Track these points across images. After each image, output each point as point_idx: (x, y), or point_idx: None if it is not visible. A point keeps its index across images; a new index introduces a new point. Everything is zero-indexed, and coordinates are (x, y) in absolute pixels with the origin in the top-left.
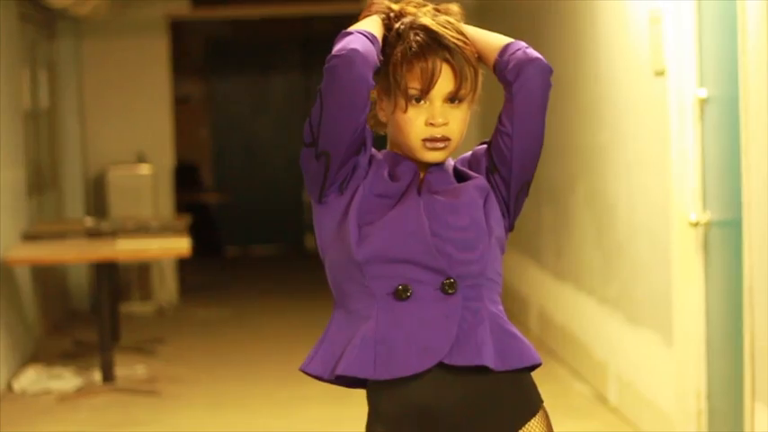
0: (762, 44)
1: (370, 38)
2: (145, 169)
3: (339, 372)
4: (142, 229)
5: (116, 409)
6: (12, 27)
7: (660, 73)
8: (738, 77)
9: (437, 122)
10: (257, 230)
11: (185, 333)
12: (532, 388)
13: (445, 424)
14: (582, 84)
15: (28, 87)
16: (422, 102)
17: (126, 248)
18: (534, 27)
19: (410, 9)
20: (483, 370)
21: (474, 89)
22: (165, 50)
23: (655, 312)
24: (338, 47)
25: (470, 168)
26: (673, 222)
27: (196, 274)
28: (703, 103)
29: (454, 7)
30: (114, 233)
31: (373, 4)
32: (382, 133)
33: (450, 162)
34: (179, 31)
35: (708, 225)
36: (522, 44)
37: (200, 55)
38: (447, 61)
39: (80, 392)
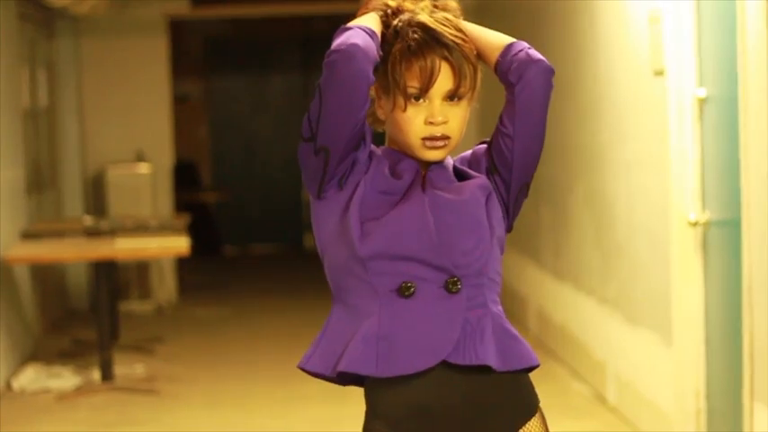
0: (761, 44)
1: (370, 33)
2: (144, 168)
3: (341, 369)
4: (141, 228)
5: (115, 408)
6: (11, 26)
7: (659, 73)
8: (738, 77)
9: (437, 121)
10: (256, 229)
11: (184, 332)
12: (531, 389)
13: (446, 422)
14: (581, 83)
15: (27, 86)
16: (421, 100)
17: (125, 247)
18: (533, 27)
19: (408, 5)
20: (484, 370)
21: (473, 87)
22: (164, 49)
23: (654, 312)
24: (338, 42)
25: (470, 168)
26: (672, 222)
27: (195, 273)
28: (702, 102)
29: (452, 3)
30: (113, 232)
31: (370, 0)
32: (380, 130)
33: (450, 160)
34: (178, 31)
35: (707, 225)
36: (525, 44)
37: (199, 54)
38: (446, 59)
39: (79, 391)
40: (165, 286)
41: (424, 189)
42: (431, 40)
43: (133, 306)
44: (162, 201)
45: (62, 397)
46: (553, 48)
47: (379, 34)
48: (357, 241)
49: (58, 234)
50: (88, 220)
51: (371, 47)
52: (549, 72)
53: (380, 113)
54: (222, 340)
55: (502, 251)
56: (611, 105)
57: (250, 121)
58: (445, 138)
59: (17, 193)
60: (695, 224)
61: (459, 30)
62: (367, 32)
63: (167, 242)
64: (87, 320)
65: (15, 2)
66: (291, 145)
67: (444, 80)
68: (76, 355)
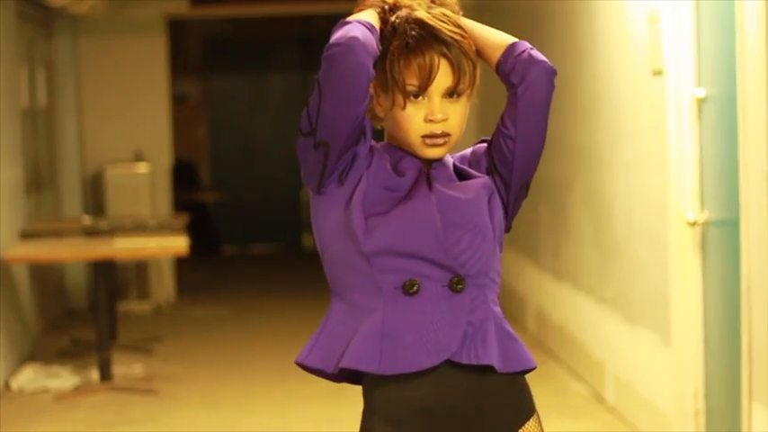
0: (760, 44)
1: (369, 27)
2: (143, 168)
3: (344, 365)
4: (140, 228)
5: (113, 408)
6: (10, 26)
7: (658, 73)
8: (736, 77)
9: (436, 119)
10: (255, 229)
11: (183, 332)
12: (528, 391)
13: (446, 422)
14: (580, 83)
15: (26, 86)
16: (420, 98)
17: (124, 247)
18: (532, 27)
19: (405, 1)
20: (486, 370)
21: (473, 83)
22: (163, 49)
23: (652, 312)
24: (337, 35)
25: (470, 167)
26: (670, 222)
27: (194, 272)
28: (701, 102)
29: None
30: (112, 232)
31: None
32: (378, 127)
33: (449, 158)
34: (177, 30)
35: (705, 225)
36: (527, 45)
37: (198, 54)
38: (444, 56)
39: (77, 391)
40: (164, 286)
41: (430, 187)
42: (429, 37)
43: (132, 306)
44: (161, 200)
45: (61, 397)
46: (552, 47)
47: (378, 29)
48: (362, 236)
49: (57, 234)
50: (87, 220)
51: (371, 40)
52: (552, 73)
53: (379, 111)
54: (221, 340)
55: (501, 251)
56: (610, 105)
57: (249, 121)
58: (445, 135)
59: (16, 192)
60: (694, 224)
61: (458, 25)
62: (366, 26)
63: (166, 242)
64: (86, 320)
65: (14, 1)
66: (290, 145)
67: (443, 77)
68: (75, 355)
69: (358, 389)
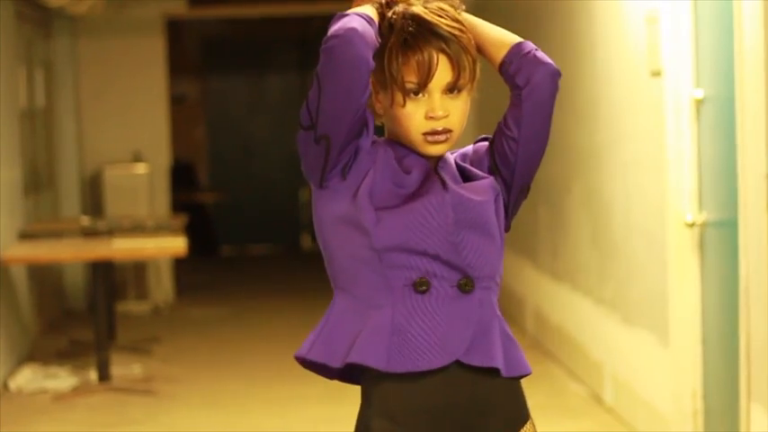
0: (758, 44)
1: (367, 19)
2: (141, 168)
3: (352, 360)
4: (138, 229)
5: (112, 409)
6: (8, 26)
7: (657, 73)
8: (735, 78)
9: (437, 116)
10: (253, 230)
11: (181, 332)
12: (523, 396)
13: (448, 422)
14: (579, 84)
15: (24, 86)
16: (420, 95)
17: (122, 248)
18: (531, 27)
19: None
20: (490, 373)
21: (473, 78)
22: (161, 50)
23: (651, 313)
24: (335, 27)
25: (472, 165)
26: (669, 223)
27: (192, 273)
28: (699, 103)
29: None
30: (110, 232)
31: None
32: (378, 124)
33: (449, 155)
34: (175, 31)
35: (704, 225)
36: (531, 45)
37: (196, 54)
38: (443, 51)
39: (76, 392)
40: (163, 287)
41: (445, 187)
42: (427, 33)
43: (130, 306)
44: (159, 201)
45: (59, 397)
46: (550, 48)
47: (376, 22)
48: (373, 231)
49: (56, 234)
50: (85, 221)
51: (369, 31)
52: (557, 75)
53: (378, 108)
54: (219, 341)
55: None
56: (609, 106)
57: (247, 122)
58: (447, 131)
59: (14, 193)
60: (692, 225)
61: (456, 20)
62: (364, 18)
63: (164, 242)
64: (84, 321)
65: (13, 1)
66: (289, 145)
67: (443, 73)
68: (73, 356)
69: (357, 389)
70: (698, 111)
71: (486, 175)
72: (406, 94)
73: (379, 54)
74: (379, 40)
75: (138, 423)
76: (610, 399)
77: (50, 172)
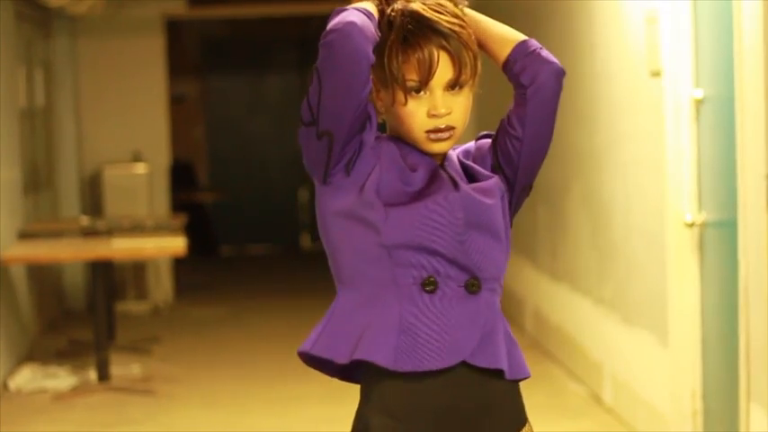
0: (757, 44)
1: (367, 13)
2: (140, 168)
3: (359, 356)
4: (138, 229)
5: (111, 409)
6: (8, 26)
7: (656, 73)
8: (734, 78)
9: (440, 113)
10: (253, 230)
11: (181, 332)
12: (522, 399)
13: (451, 422)
14: (578, 84)
15: (24, 86)
16: (421, 92)
17: (121, 247)
18: (531, 27)
19: None
20: (495, 375)
21: (474, 73)
22: (160, 49)
23: (650, 313)
24: (334, 22)
25: (474, 162)
26: (668, 223)
27: (192, 273)
28: (699, 103)
29: None
30: (110, 232)
31: None
32: (380, 121)
33: (452, 152)
34: (175, 31)
35: (703, 225)
36: (536, 44)
37: (196, 54)
38: (443, 48)
39: (75, 391)
40: (162, 286)
41: (456, 187)
42: (426, 30)
43: (130, 306)
44: (159, 201)
45: (59, 397)
46: (550, 48)
47: (376, 17)
48: (383, 228)
49: (55, 234)
50: (85, 221)
51: (368, 25)
52: (562, 74)
53: (380, 106)
54: (219, 341)
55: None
56: (608, 106)
57: (247, 122)
58: (450, 129)
59: (14, 193)
60: (692, 225)
61: (456, 15)
62: (363, 12)
63: (164, 242)
64: (84, 321)
65: (12, 1)
66: (288, 145)
67: (444, 70)
68: (73, 356)
69: (356, 388)
70: (697, 111)
71: (490, 174)
72: (408, 92)
73: (379, 52)
74: (379, 34)
75: (138, 423)
76: (609, 399)
77: (50, 172)
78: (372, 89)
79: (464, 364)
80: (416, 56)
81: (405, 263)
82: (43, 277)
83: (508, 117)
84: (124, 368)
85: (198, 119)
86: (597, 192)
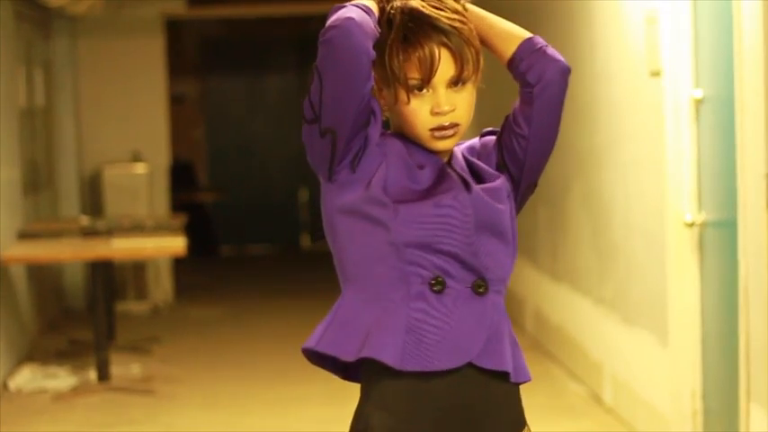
0: (757, 44)
1: (365, 9)
2: (140, 168)
3: (366, 354)
4: (137, 228)
5: (111, 409)
6: (8, 26)
7: (656, 73)
8: (734, 78)
9: (443, 111)
10: (253, 230)
11: (181, 332)
12: (521, 403)
13: (454, 422)
14: (578, 84)
15: (24, 86)
16: (424, 90)
17: (121, 247)
18: (531, 27)
19: None
20: (499, 377)
21: (477, 68)
22: (160, 50)
23: (650, 313)
24: (332, 19)
25: (479, 160)
26: (668, 223)
27: (192, 273)
28: (699, 103)
29: None
30: (110, 232)
31: None
32: (383, 118)
33: (457, 149)
34: (174, 31)
35: (703, 225)
36: (542, 41)
37: (195, 54)
38: (444, 45)
39: (75, 391)
40: (162, 286)
41: (468, 187)
42: (426, 27)
43: (130, 306)
44: (158, 201)
45: (58, 397)
46: None
47: (376, 13)
48: (392, 225)
49: (55, 234)
50: (85, 220)
51: (367, 21)
52: (568, 72)
53: (382, 105)
54: (219, 341)
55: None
56: (608, 106)
57: (246, 122)
58: (454, 126)
59: (14, 192)
60: (691, 225)
61: (456, 11)
62: (362, 8)
63: (164, 242)
64: (84, 320)
65: (12, 1)
66: (288, 145)
67: (446, 67)
68: (73, 356)
69: (356, 388)
70: (697, 111)
71: (496, 173)
72: (410, 90)
73: (379, 51)
74: (379, 30)
75: (138, 423)
76: (609, 399)
77: (50, 172)
78: (375, 88)
79: (470, 365)
80: (417, 54)
81: (413, 262)
82: (43, 277)
83: (513, 115)
84: (124, 368)
85: (197, 119)
86: (597, 192)
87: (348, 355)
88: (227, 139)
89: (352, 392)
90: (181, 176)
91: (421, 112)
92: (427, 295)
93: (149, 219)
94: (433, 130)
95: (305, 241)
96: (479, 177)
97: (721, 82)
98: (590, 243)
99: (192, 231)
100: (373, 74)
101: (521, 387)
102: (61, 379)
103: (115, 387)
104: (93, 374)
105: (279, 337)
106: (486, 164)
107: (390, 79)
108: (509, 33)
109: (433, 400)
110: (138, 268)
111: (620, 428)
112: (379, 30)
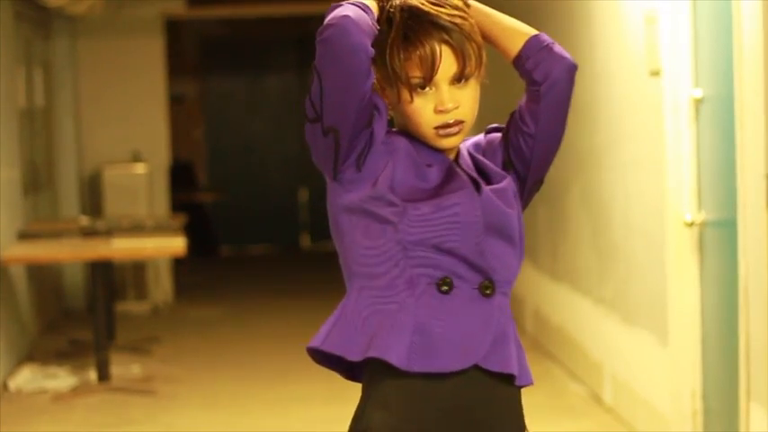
0: (757, 44)
1: (362, 7)
2: (140, 168)
3: (372, 354)
4: (137, 229)
5: (111, 409)
6: (7, 26)
7: (655, 73)
8: (734, 77)
9: (447, 108)
10: (252, 230)
11: (181, 332)
12: (522, 406)
13: (457, 423)
14: (578, 84)
15: (23, 86)
16: (427, 88)
17: (121, 247)
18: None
19: None
20: (504, 379)
21: (479, 64)
22: (160, 50)
23: (650, 312)
24: (329, 17)
25: (485, 157)
26: (668, 222)
27: (191, 273)
28: (698, 103)
29: None
30: (109, 232)
31: None
32: (388, 117)
33: (463, 147)
34: (174, 31)
35: (703, 225)
36: (548, 38)
37: (195, 54)
38: (446, 42)
39: (75, 392)
40: (162, 287)
41: (478, 188)
42: (426, 25)
43: (130, 306)
44: (158, 201)
45: (58, 397)
46: None
47: (375, 11)
48: (400, 224)
49: (55, 234)
50: (84, 221)
51: (364, 18)
52: (575, 70)
53: (387, 103)
54: (219, 341)
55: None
56: (608, 106)
57: (246, 122)
58: (459, 123)
59: (13, 193)
60: (691, 224)
61: (456, 7)
62: (359, 6)
63: (164, 242)
64: (84, 321)
65: (12, 2)
66: (288, 145)
67: (448, 64)
68: (73, 356)
69: (357, 388)
70: (697, 110)
71: (503, 173)
72: (413, 89)
73: (380, 50)
74: (377, 27)
75: (138, 423)
76: (609, 399)
77: (49, 172)
78: (378, 87)
79: (475, 367)
80: (418, 52)
81: (421, 262)
82: (43, 277)
83: (520, 113)
84: (124, 368)
85: (197, 119)
86: (597, 192)
87: (354, 355)
88: (226, 140)
89: (352, 392)
90: (180, 176)
91: (425, 110)
92: (435, 295)
93: (149, 219)
94: (437, 128)
95: (305, 241)
96: (486, 176)
97: (721, 82)
98: (590, 243)
99: (191, 231)
100: (375, 73)
101: (522, 389)
102: (61, 379)
103: (115, 387)
104: (93, 375)
105: (279, 337)
106: (492, 161)
107: (392, 78)
108: (514, 30)
109: (437, 401)
110: (138, 268)
111: (620, 428)
112: (379, 29)
